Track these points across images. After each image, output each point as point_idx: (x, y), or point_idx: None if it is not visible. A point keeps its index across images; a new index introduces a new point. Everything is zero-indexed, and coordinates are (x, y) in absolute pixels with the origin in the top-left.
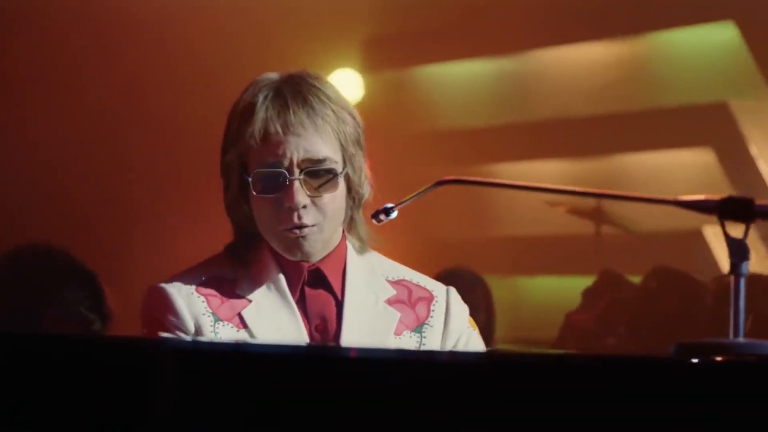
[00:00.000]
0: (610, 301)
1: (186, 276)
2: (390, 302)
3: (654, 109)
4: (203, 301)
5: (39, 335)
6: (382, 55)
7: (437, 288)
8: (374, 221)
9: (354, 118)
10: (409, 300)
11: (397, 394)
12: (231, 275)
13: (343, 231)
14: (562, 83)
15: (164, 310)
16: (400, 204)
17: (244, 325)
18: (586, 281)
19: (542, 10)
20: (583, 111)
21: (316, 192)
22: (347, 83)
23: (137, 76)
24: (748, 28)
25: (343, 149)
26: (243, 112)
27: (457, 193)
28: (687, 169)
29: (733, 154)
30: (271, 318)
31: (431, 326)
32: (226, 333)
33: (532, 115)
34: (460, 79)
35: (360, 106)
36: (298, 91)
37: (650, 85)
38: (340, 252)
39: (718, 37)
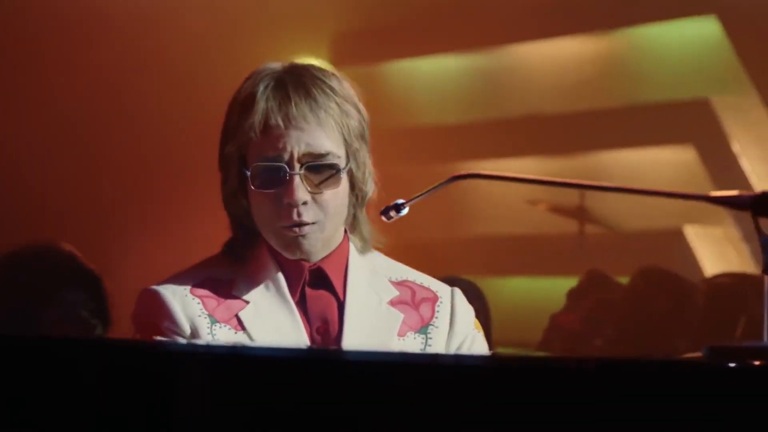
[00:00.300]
0: (596, 301)
1: (179, 278)
2: (393, 303)
3: (633, 105)
4: (198, 303)
5: (42, 338)
6: (350, 50)
7: (441, 289)
8: (384, 218)
9: (359, 111)
10: (412, 301)
11: (402, 398)
12: (227, 276)
13: (346, 230)
14: (537, 79)
15: (158, 313)
16: (412, 200)
17: (242, 327)
18: (568, 282)
19: (517, 4)
20: (558, 108)
21: (317, 188)
22: None
23: (107, 74)
24: (732, 23)
25: (347, 144)
26: (243, 103)
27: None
28: (667, 167)
29: (715, 151)
30: (270, 319)
31: (436, 327)
32: (223, 335)
33: (505, 112)
34: (431, 75)
35: None
36: (301, 82)
37: (629, 81)
38: (342, 251)
39: (700, 32)
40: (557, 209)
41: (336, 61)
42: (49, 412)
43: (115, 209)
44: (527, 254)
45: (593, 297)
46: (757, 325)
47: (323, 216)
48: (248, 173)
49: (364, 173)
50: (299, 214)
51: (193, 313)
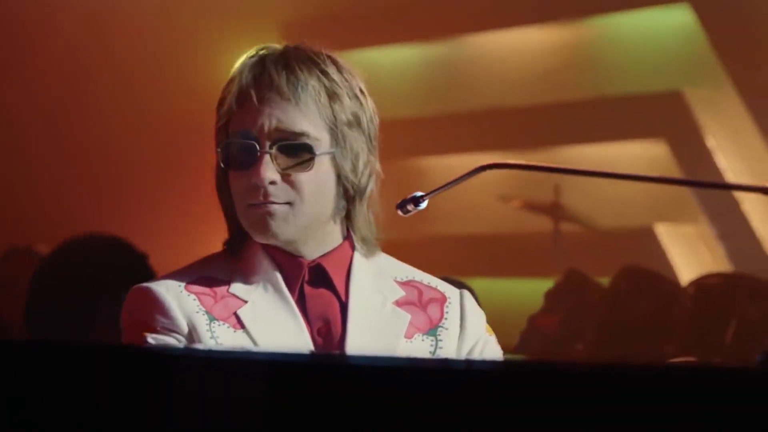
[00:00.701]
0: (575, 304)
1: (172, 276)
2: (399, 304)
3: (602, 98)
4: (195, 300)
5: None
6: (301, 40)
7: (449, 289)
8: (400, 212)
9: (358, 99)
10: (419, 301)
11: (412, 405)
12: (223, 274)
13: (349, 229)
14: (500, 71)
15: (151, 310)
16: (432, 192)
17: (242, 326)
18: (543, 283)
19: None
20: (522, 100)
21: (287, 170)
22: None
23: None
24: (705, 12)
25: (332, 128)
26: (230, 77)
27: (393, 186)
28: (638, 162)
29: (688, 146)
30: (271, 318)
31: (446, 329)
32: (223, 333)
33: (465, 105)
34: (388, 66)
35: None
36: (284, 58)
37: (597, 73)
38: (343, 250)
39: (672, 21)
40: (531, 206)
41: None
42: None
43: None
44: (500, 254)
45: (572, 298)
46: (749, 328)
47: (297, 197)
48: (219, 151)
49: (354, 164)
50: (266, 194)
51: (191, 310)
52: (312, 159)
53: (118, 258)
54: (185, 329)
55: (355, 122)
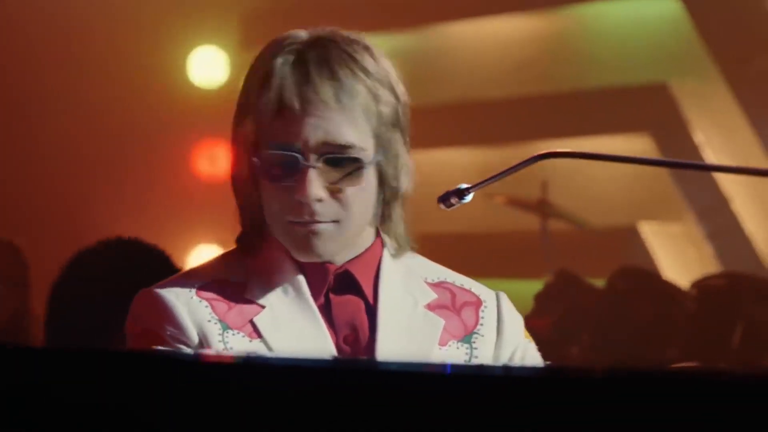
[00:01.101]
0: (569, 305)
1: (183, 279)
2: (431, 307)
3: (581, 90)
4: (207, 307)
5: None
6: (262, 32)
7: (484, 292)
8: (442, 206)
9: (395, 94)
10: (452, 305)
11: (448, 415)
12: (238, 277)
13: (378, 229)
14: (474, 61)
15: (159, 318)
16: (479, 185)
17: (258, 335)
18: (531, 284)
19: None
20: (498, 92)
21: (335, 184)
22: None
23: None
24: (693, 0)
25: (376, 134)
26: (260, 77)
27: None
28: None
29: (675, 141)
30: (290, 326)
31: (482, 336)
32: (237, 343)
33: (436, 98)
34: None
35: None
36: (325, 59)
37: (576, 64)
38: (373, 253)
39: (659, 10)
40: (518, 203)
41: (247, 44)
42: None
43: None
44: (483, 253)
45: (565, 300)
46: (757, 330)
47: (345, 214)
48: (257, 161)
49: (396, 167)
50: (312, 213)
51: (202, 318)
52: (361, 171)
53: (142, 260)
54: (195, 339)
55: (395, 119)
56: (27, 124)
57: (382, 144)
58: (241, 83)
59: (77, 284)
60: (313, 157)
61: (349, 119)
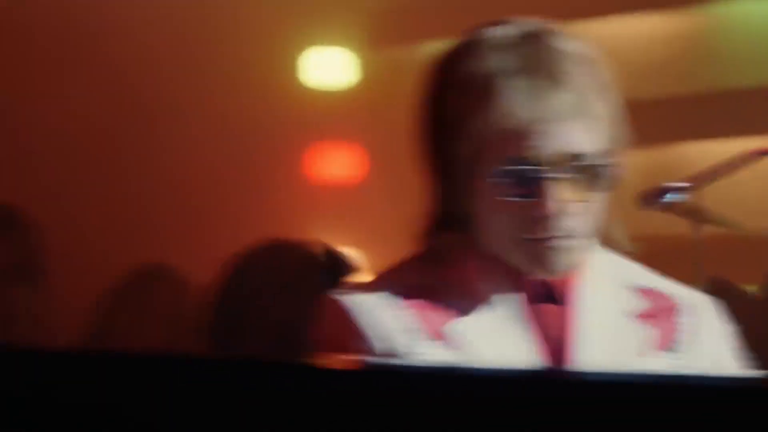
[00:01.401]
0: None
1: (373, 286)
2: (636, 316)
3: (719, 90)
4: (399, 316)
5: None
6: (391, 30)
7: (695, 298)
8: (650, 207)
9: (615, 91)
10: (659, 313)
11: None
12: (433, 284)
13: None
14: (614, 61)
15: (349, 332)
16: (702, 181)
17: (456, 346)
18: None
19: None
20: (641, 93)
21: (575, 197)
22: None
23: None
24: None
25: (607, 137)
26: (474, 87)
27: None
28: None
29: None
30: (490, 337)
31: (692, 345)
32: (432, 354)
33: None
34: None
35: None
36: (553, 63)
37: (713, 64)
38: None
39: None
40: (668, 207)
41: (375, 43)
42: None
43: None
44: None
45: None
46: None
47: (582, 226)
48: (491, 180)
49: (618, 167)
50: (554, 228)
51: (394, 329)
52: (598, 180)
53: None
54: (386, 350)
55: (618, 118)
56: (152, 128)
57: (611, 147)
58: (368, 85)
59: (250, 286)
60: (555, 171)
61: (584, 126)
